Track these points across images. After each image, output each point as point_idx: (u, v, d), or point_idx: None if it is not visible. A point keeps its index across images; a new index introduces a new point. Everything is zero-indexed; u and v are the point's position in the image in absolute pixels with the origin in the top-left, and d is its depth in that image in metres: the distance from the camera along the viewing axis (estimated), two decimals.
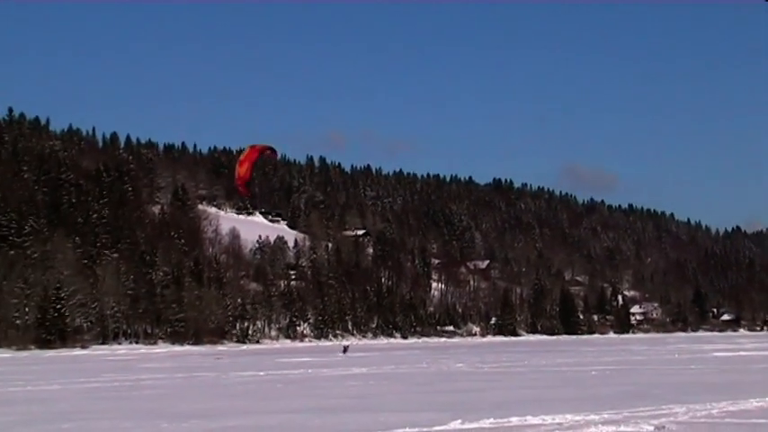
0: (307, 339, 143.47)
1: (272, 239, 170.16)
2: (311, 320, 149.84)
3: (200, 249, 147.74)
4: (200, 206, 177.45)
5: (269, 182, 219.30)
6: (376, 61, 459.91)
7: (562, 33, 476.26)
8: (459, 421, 20.99)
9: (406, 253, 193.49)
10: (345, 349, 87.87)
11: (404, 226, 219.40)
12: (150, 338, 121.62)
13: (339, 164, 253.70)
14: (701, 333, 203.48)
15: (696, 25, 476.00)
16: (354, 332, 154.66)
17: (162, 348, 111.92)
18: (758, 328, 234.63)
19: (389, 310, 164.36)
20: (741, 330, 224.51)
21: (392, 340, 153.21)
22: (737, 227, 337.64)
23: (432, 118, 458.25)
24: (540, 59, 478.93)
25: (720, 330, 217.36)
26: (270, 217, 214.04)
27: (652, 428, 19.32)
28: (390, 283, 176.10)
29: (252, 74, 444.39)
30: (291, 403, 28.06)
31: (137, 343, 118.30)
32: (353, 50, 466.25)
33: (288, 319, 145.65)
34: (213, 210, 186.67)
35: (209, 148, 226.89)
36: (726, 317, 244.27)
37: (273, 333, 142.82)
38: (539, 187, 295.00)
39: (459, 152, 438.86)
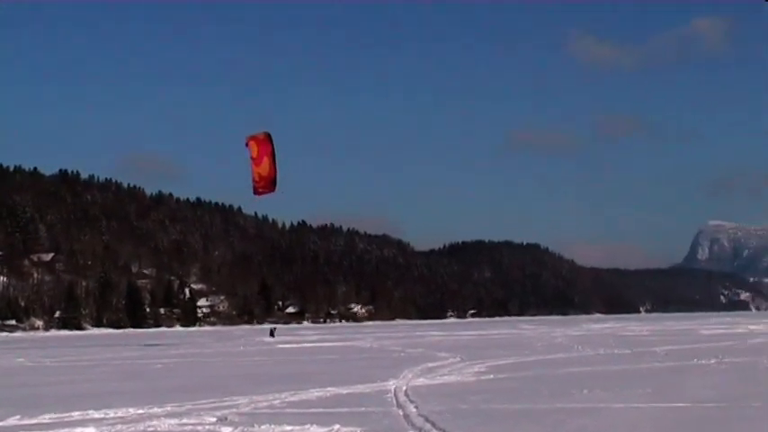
0: None
1: None
2: None
3: None
4: None
5: None
6: None
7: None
8: (18, 417, 20.34)
9: None
10: (272, 332, 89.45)
11: None
12: None
13: None
14: (266, 325, 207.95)
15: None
16: None
17: None
18: (321, 320, 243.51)
19: None
20: (305, 323, 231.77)
21: None
22: (303, 221, 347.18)
23: None
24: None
25: (285, 322, 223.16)
26: None
27: (215, 420, 19.46)
28: None
29: None
30: None
31: None
32: None
33: None
34: None
35: None
36: (291, 309, 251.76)
37: None
38: (106, 179, 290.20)
39: (25, 141, 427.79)
